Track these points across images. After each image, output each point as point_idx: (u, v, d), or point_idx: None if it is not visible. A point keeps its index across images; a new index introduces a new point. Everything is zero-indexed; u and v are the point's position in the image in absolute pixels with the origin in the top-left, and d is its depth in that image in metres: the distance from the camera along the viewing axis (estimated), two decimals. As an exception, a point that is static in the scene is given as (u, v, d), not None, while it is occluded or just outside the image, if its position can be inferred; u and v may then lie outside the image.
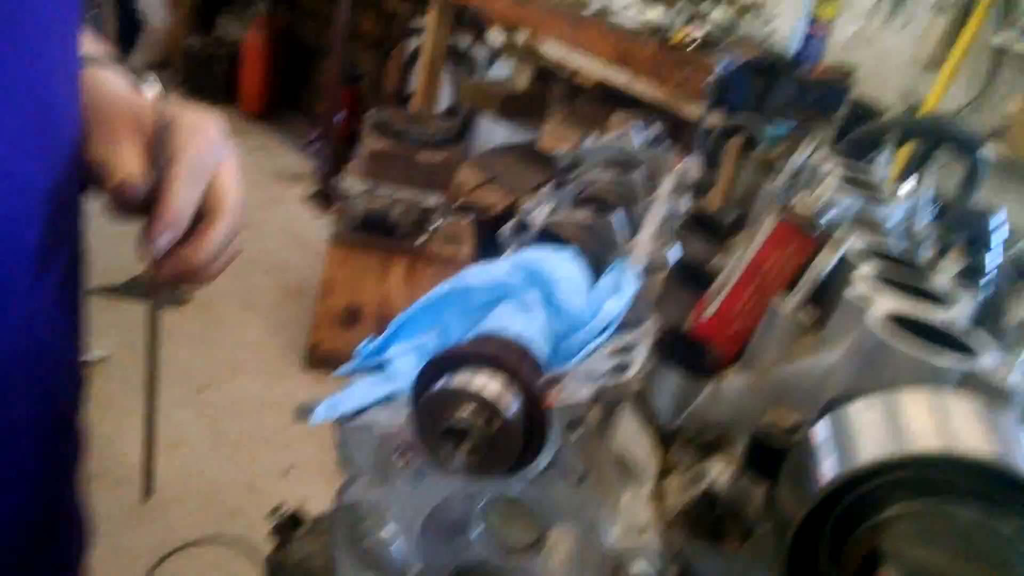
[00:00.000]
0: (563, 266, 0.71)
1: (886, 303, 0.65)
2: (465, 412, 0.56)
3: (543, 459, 0.60)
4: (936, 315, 0.65)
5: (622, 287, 0.70)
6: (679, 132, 3.73)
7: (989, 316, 0.83)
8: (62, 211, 0.69)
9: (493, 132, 4.68)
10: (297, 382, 3.55)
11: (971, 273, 0.99)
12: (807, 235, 0.74)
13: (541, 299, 0.68)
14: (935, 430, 0.49)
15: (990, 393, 0.57)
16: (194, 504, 2.90)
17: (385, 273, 3.35)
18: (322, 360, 3.48)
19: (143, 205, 0.70)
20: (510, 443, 0.56)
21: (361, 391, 0.68)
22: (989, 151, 1.15)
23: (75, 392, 0.84)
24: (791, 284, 0.75)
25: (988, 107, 3.41)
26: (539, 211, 1.04)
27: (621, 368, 0.59)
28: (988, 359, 0.60)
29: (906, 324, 0.63)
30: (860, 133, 1.11)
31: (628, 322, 0.68)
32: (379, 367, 0.73)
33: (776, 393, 0.68)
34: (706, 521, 0.61)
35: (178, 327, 3.71)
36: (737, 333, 0.77)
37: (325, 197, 4.70)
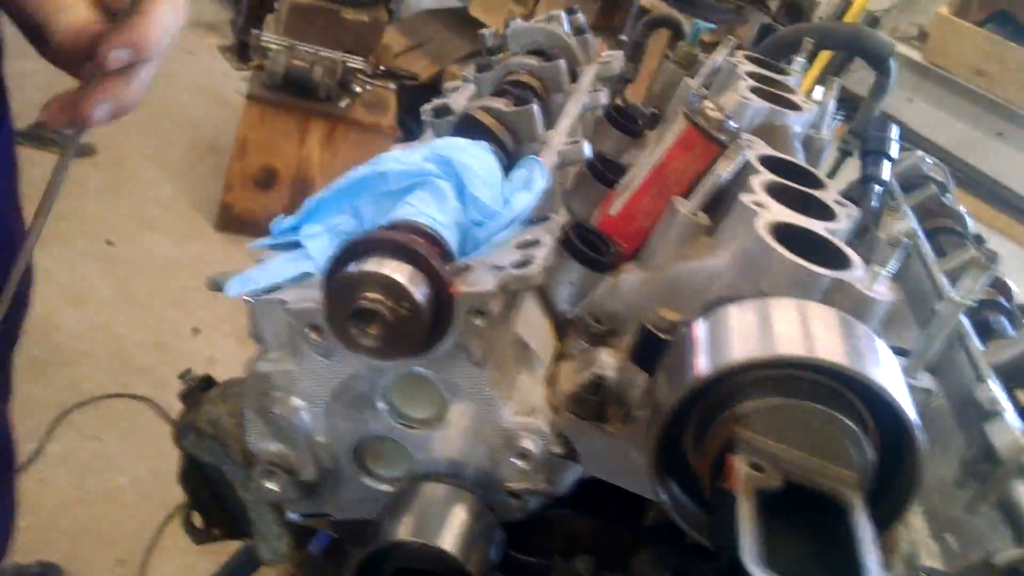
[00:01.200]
0: (479, 158, 0.73)
1: (774, 212, 0.70)
2: (375, 295, 0.59)
3: (447, 342, 0.64)
4: (818, 227, 0.70)
5: (533, 182, 0.73)
6: (611, 11, 3.69)
7: (870, 228, 0.89)
8: None
9: (422, -6, 4.52)
10: (209, 243, 3.49)
11: (866, 181, 1.05)
12: (713, 140, 0.77)
13: (455, 189, 0.70)
14: (798, 336, 0.55)
15: (855, 301, 0.63)
16: (102, 359, 2.88)
17: (303, 136, 3.28)
18: (235, 222, 3.43)
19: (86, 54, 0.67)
20: (417, 327, 0.60)
21: (275, 268, 0.70)
22: (898, 63, 1.20)
23: None
24: (694, 186, 0.79)
25: (916, 9, 3.47)
26: (461, 93, 1.04)
27: (525, 262, 0.63)
28: (857, 271, 0.66)
29: (791, 233, 0.68)
30: (779, 37, 1.14)
31: (537, 216, 0.72)
32: (293, 245, 0.75)
33: (668, 290, 0.73)
34: (592, 404, 0.66)
35: (86, 178, 3.58)
36: (639, 230, 0.81)
37: (242, 50, 4.49)
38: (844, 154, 1.21)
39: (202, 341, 3.05)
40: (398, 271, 0.59)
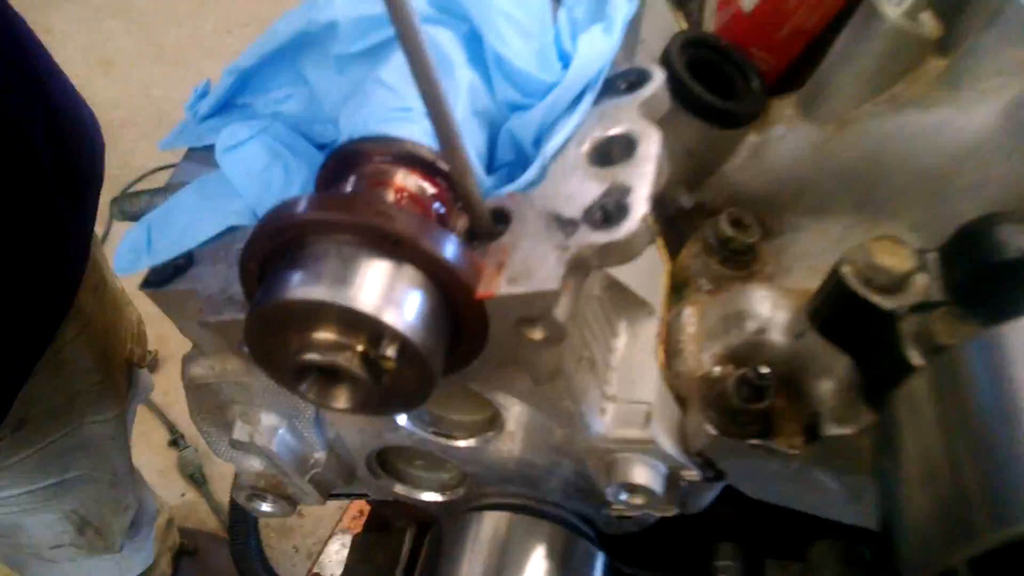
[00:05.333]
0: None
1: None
2: (327, 341, 0.30)
3: (490, 353, 0.35)
4: None
5: (608, 5, 0.39)
6: None
7: None
8: None
9: None
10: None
11: None
12: None
13: (463, 44, 0.37)
14: None
15: None
16: (144, 127, 2.65)
17: None
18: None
19: None
20: (417, 370, 0.32)
21: (183, 216, 0.42)
22: None
23: None
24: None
25: None
26: None
27: (614, 209, 0.32)
28: None
29: None
30: None
31: (624, 75, 0.38)
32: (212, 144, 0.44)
33: (866, 170, 0.41)
34: (751, 417, 0.38)
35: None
36: (795, 34, 0.47)
37: None
38: None
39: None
40: (368, 289, 0.30)
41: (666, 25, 0.54)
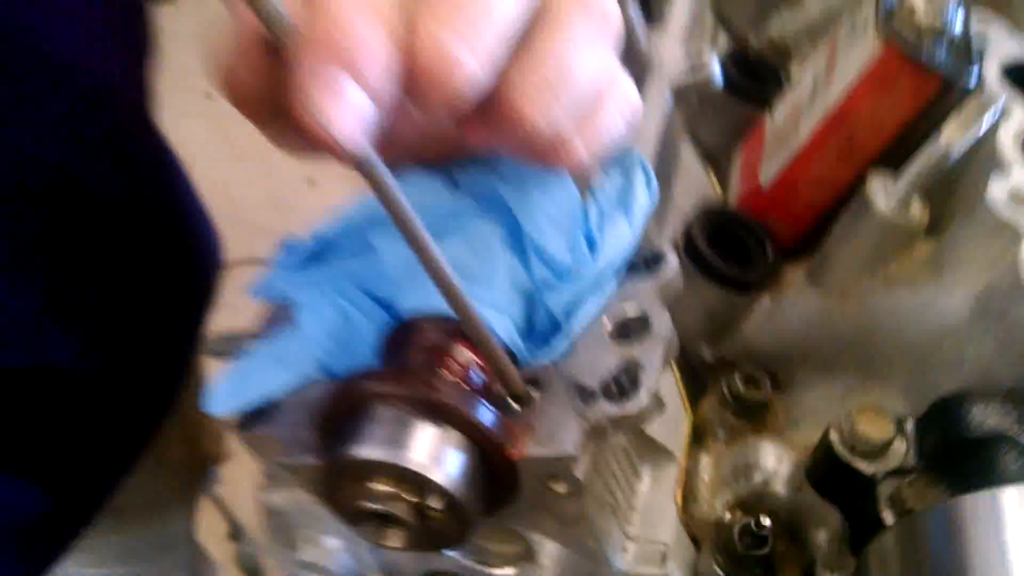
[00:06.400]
0: (541, 180, 0.45)
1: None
2: (383, 492, 0.37)
3: (522, 501, 0.41)
4: None
5: (633, 199, 0.45)
6: None
7: None
8: None
9: None
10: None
11: None
12: (925, 69, 0.46)
13: (506, 232, 0.45)
14: None
15: None
16: (222, 224, 2.82)
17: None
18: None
19: None
20: (459, 517, 0.38)
21: (265, 368, 0.49)
22: None
23: None
24: (897, 138, 0.49)
25: None
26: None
27: (628, 383, 0.38)
28: None
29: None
30: None
31: (638, 254, 0.45)
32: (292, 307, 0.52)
33: (864, 337, 0.47)
34: (752, 563, 0.43)
35: (175, 26, 3.39)
36: (807, 211, 0.53)
37: None
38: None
39: (318, 194, 2.92)
40: (418, 451, 0.36)
41: (699, 186, 0.61)
